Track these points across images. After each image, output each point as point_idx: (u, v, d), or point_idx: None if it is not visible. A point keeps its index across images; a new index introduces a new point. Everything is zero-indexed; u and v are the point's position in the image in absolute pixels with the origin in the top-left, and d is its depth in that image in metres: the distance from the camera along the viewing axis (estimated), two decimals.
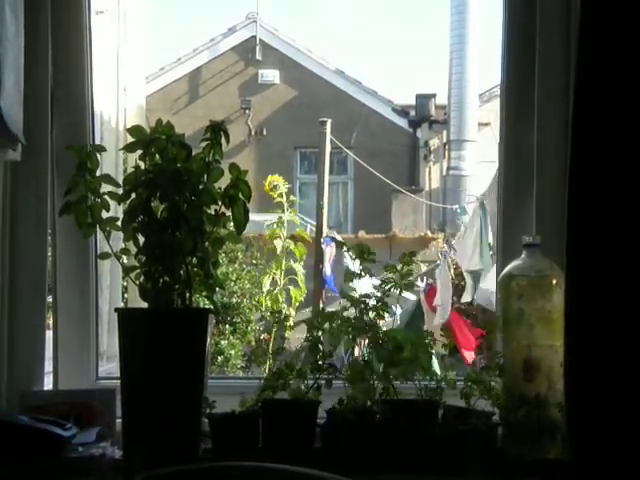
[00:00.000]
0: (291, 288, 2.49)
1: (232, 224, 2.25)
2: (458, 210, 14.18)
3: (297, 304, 2.48)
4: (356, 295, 2.38)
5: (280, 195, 2.54)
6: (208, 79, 16.02)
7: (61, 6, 2.47)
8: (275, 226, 2.51)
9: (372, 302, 2.34)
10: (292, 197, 2.56)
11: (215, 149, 2.24)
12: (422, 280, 9.32)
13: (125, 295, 3.56)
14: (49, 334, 2.50)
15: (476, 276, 8.90)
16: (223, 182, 2.26)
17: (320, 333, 2.34)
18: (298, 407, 2.27)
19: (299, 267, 2.34)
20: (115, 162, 3.18)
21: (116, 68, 3.29)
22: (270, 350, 2.40)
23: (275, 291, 2.48)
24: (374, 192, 14.59)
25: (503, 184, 2.55)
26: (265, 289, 2.50)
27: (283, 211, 2.53)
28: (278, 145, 15.55)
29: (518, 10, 2.53)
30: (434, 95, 15.72)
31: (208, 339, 2.26)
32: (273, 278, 2.50)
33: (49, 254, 2.50)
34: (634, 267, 1.71)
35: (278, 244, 2.48)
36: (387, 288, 2.34)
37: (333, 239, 9.74)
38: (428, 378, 2.30)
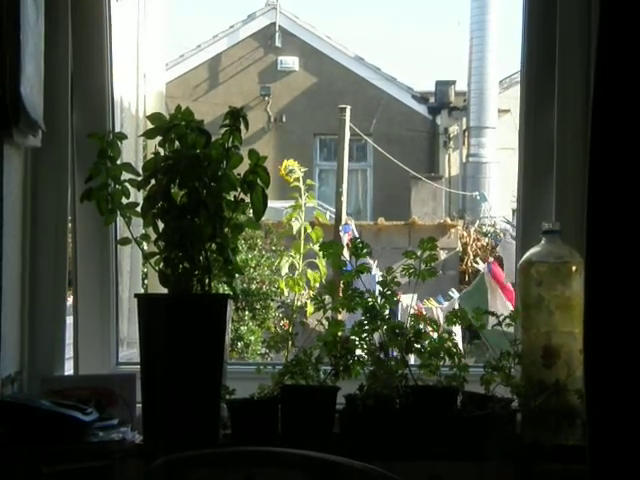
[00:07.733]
0: (308, 271, 2.47)
1: (251, 210, 2.26)
2: (478, 197, 14.15)
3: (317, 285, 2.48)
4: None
5: (297, 179, 2.51)
6: (228, 66, 16.01)
7: None
8: (292, 210, 2.49)
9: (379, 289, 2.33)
10: (309, 181, 2.53)
11: (234, 135, 2.25)
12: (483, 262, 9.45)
13: (145, 281, 3.58)
14: (70, 319, 2.51)
15: None
16: (242, 169, 2.26)
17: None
18: (317, 393, 2.28)
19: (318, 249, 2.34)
20: (135, 148, 3.18)
21: (136, 55, 3.29)
22: (289, 336, 2.40)
23: (295, 275, 2.46)
24: (393, 179, 14.58)
25: (523, 171, 2.54)
26: (284, 273, 2.47)
27: (300, 195, 2.51)
28: (297, 132, 15.54)
29: None
30: (454, 82, 15.67)
31: (228, 325, 2.27)
32: (292, 263, 2.48)
33: (69, 240, 2.51)
34: None
35: (295, 225, 2.47)
36: (409, 273, 2.33)
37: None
38: (448, 364, 2.30)
